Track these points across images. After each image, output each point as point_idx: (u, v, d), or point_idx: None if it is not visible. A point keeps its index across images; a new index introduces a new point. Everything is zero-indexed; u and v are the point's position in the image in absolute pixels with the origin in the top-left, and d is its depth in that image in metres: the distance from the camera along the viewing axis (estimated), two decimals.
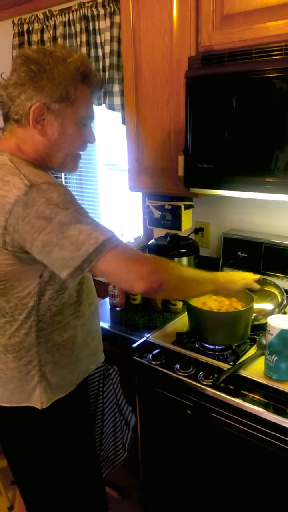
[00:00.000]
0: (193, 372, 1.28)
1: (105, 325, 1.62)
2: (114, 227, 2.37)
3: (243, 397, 1.16)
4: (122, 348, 1.49)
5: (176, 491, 1.46)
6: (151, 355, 1.37)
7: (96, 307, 1.24)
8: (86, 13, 1.85)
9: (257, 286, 1.34)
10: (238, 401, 1.16)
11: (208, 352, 1.34)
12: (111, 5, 1.76)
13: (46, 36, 2.08)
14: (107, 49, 1.80)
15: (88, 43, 1.88)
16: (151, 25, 1.49)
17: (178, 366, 1.31)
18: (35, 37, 2.11)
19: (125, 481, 1.75)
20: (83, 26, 1.86)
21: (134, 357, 1.40)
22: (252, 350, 1.33)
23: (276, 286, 1.53)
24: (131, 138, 1.68)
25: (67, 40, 1.98)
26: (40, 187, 0.92)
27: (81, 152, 1.13)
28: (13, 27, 2.18)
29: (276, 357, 1.16)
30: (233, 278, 1.29)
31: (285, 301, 1.47)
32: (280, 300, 1.49)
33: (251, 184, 1.30)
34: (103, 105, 1.88)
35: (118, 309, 1.75)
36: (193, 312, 1.36)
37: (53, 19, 2.01)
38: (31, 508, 1.26)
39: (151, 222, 1.90)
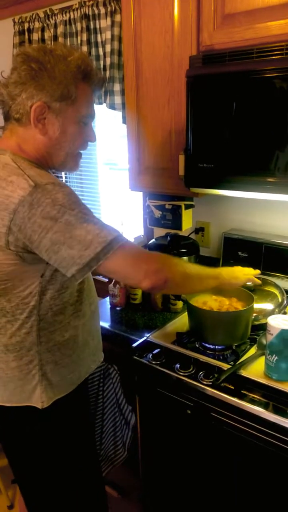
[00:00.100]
0: (193, 371, 1.28)
1: (105, 324, 1.62)
2: (115, 227, 2.36)
3: (243, 397, 1.16)
4: (122, 347, 1.49)
5: (176, 490, 1.46)
6: (151, 355, 1.37)
7: (96, 306, 1.24)
8: (87, 12, 1.85)
9: (258, 281, 1.36)
10: (238, 401, 1.16)
11: (208, 352, 1.34)
12: (112, 4, 1.75)
13: (46, 34, 2.08)
14: (108, 48, 1.79)
15: (88, 42, 1.88)
16: (152, 25, 1.49)
17: (178, 365, 1.31)
18: (35, 36, 2.10)
19: (125, 480, 1.75)
20: (84, 25, 1.86)
21: (134, 357, 1.40)
22: (252, 350, 1.33)
23: (276, 286, 1.53)
24: (131, 137, 1.68)
25: (68, 39, 1.98)
26: (45, 187, 0.92)
27: (82, 151, 1.13)
28: (14, 25, 2.18)
29: (276, 357, 1.16)
30: (235, 273, 1.31)
31: (285, 301, 1.47)
32: (280, 300, 1.49)
33: (252, 184, 1.30)
34: (104, 104, 1.87)
35: (118, 308, 1.75)
36: (193, 312, 1.36)
37: (53, 17, 2.00)
38: (31, 507, 1.26)
39: (151, 222, 1.90)
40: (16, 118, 1.01)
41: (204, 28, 1.36)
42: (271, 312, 1.43)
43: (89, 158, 2.31)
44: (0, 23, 2.34)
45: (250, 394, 1.17)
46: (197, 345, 1.38)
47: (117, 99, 1.83)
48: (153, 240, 1.87)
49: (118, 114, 1.88)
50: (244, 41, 1.28)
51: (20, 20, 2.15)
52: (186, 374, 1.28)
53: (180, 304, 1.67)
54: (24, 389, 1.10)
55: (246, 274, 1.34)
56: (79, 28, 1.90)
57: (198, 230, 1.92)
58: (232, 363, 1.28)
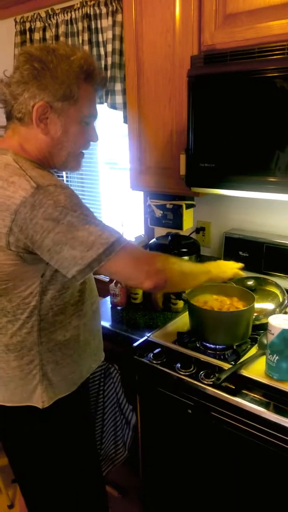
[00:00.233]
0: (194, 371, 1.28)
1: (106, 324, 1.62)
2: (115, 226, 2.36)
3: (244, 397, 1.16)
4: (123, 347, 1.49)
5: (176, 490, 1.46)
6: (152, 354, 1.37)
7: (98, 306, 1.24)
8: (88, 12, 1.85)
9: (242, 274, 1.41)
10: (239, 400, 1.16)
11: (209, 351, 1.34)
12: (113, 3, 1.75)
13: (48, 34, 2.08)
14: (109, 47, 1.79)
15: (90, 41, 1.88)
16: (154, 24, 1.49)
17: (179, 365, 1.31)
18: (37, 36, 2.11)
19: (125, 480, 1.75)
20: (85, 25, 1.86)
21: (135, 356, 1.40)
22: (253, 350, 1.33)
23: (277, 286, 1.53)
24: (133, 137, 1.68)
25: (69, 38, 1.98)
26: (47, 189, 0.92)
27: (84, 151, 1.13)
28: (15, 25, 2.18)
29: (277, 357, 1.16)
30: (222, 268, 1.37)
31: (286, 301, 1.47)
32: (281, 300, 1.49)
33: (253, 184, 1.30)
34: (105, 104, 1.87)
35: (119, 308, 1.75)
36: (194, 311, 1.36)
37: (55, 17, 2.00)
38: (31, 507, 1.26)
39: (152, 221, 1.90)
40: (18, 118, 1.01)
41: (205, 28, 1.36)
42: (272, 312, 1.44)
43: (90, 157, 2.31)
44: (2, 23, 2.35)
45: (251, 393, 1.17)
46: (198, 345, 1.38)
47: (118, 99, 1.83)
48: (154, 239, 1.87)
49: (118, 114, 1.88)
50: (246, 40, 1.28)
51: (21, 20, 2.15)
52: (187, 373, 1.28)
53: (181, 303, 1.67)
54: (24, 389, 1.10)
55: (231, 268, 1.39)
56: (80, 27, 1.90)
57: (199, 229, 1.92)
58: (233, 362, 1.28)
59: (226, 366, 1.26)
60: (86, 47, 1.88)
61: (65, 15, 1.95)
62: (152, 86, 1.56)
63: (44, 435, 1.14)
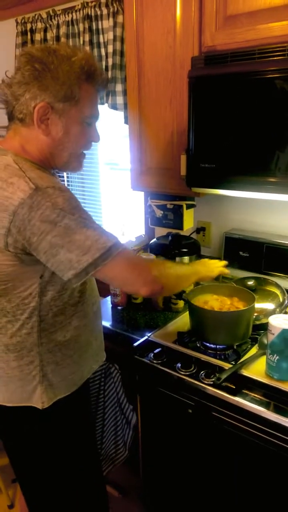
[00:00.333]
0: (194, 371, 1.28)
1: (107, 323, 1.62)
2: (116, 226, 2.37)
3: (244, 397, 1.17)
4: (124, 347, 1.50)
5: (176, 490, 1.47)
6: (152, 354, 1.38)
7: (99, 306, 1.24)
8: (89, 13, 1.85)
9: (227, 271, 1.43)
10: (239, 400, 1.16)
11: (209, 351, 1.34)
12: (114, 5, 1.76)
13: (49, 35, 2.08)
14: (110, 48, 1.80)
15: (91, 42, 1.89)
16: (155, 25, 1.49)
17: (180, 365, 1.31)
18: (38, 36, 2.11)
19: (126, 480, 1.75)
20: (86, 26, 1.87)
21: (136, 356, 1.40)
22: (254, 350, 1.33)
23: (278, 286, 1.54)
24: (133, 137, 1.68)
25: (70, 39, 1.98)
26: (45, 191, 0.92)
27: (85, 152, 1.13)
28: (16, 26, 2.18)
29: (277, 357, 1.16)
30: (208, 267, 1.39)
31: (286, 301, 1.48)
32: (281, 300, 1.49)
33: (253, 184, 1.31)
34: (106, 104, 1.88)
35: (119, 308, 1.75)
36: (194, 311, 1.36)
37: (56, 18, 2.01)
38: (32, 506, 1.26)
39: (153, 221, 1.91)
40: (19, 118, 1.01)
41: (206, 29, 1.36)
42: (272, 312, 1.44)
43: (90, 158, 2.32)
44: (3, 24, 2.35)
45: (251, 393, 1.18)
46: (198, 345, 1.38)
47: (119, 99, 1.84)
48: (155, 239, 1.88)
49: (119, 114, 1.89)
50: (246, 42, 1.28)
51: (22, 21, 2.16)
52: (187, 373, 1.28)
53: (181, 303, 1.68)
54: (24, 389, 1.10)
55: (217, 266, 1.41)
56: (81, 28, 1.90)
57: (199, 229, 1.92)
58: (233, 362, 1.28)
59: (226, 366, 1.26)
60: (87, 48, 1.88)
61: (66, 16, 1.96)
62: (153, 87, 1.57)
63: (44, 435, 1.14)
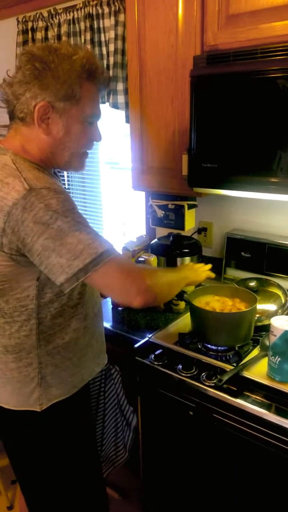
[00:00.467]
0: (195, 373, 1.27)
1: (107, 325, 1.61)
2: (117, 226, 2.36)
3: (246, 399, 1.16)
4: (124, 348, 1.49)
5: (176, 492, 1.46)
6: (153, 356, 1.37)
7: (100, 308, 1.23)
8: (90, 12, 1.84)
9: (212, 275, 1.42)
10: (240, 402, 1.15)
11: (210, 353, 1.34)
12: (116, 3, 1.75)
13: (50, 34, 2.07)
14: (112, 47, 1.79)
15: (92, 41, 1.88)
16: (156, 24, 1.49)
17: (181, 366, 1.30)
18: (39, 35, 2.10)
19: (126, 482, 1.75)
20: (88, 24, 1.86)
21: (136, 357, 1.39)
22: (255, 351, 1.32)
23: (280, 287, 1.53)
24: (135, 136, 1.68)
25: (72, 38, 1.98)
26: (39, 191, 0.91)
27: (88, 151, 1.12)
28: (18, 24, 2.17)
29: (279, 359, 1.15)
30: (196, 271, 1.37)
31: None
32: (283, 301, 1.48)
33: (255, 184, 1.30)
34: (107, 103, 1.87)
35: (120, 308, 1.74)
36: (195, 312, 1.36)
37: (57, 17, 2.00)
38: (32, 507, 1.25)
39: (154, 222, 1.90)
40: (20, 118, 1.01)
41: (208, 28, 1.35)
42: (274, 313, 1.43)
43: (91, 157, 2.29)
44: (4, 22, 2.34)
45: (252, 395, 1.17)
46: (199, 346, 1.37)
47: (120, 98, 1.83)
48: (156, 240, 1.87)
49: (120, 113, 1.88)
50: (248, 41, 1.28)
51: (24, 19, 2.15)
52: (188, 375, 1.27)
53: (182, 304, 1.67)
54: (22, 392, 1.09)
55: (204, 270, 1.39)
56: (82, 27, 1.90)
57: (201, 230, 1.91)
58: (234, 364, 1.27)
59: (228, 367, 1.25)
60: (88, 47, 1.87)
61: (68, 14, 1.95)
62: (154, 86, 1.56)
63: (44, 437, 1.13)
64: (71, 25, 1.96)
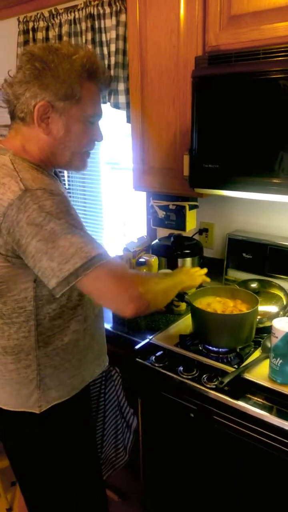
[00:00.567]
0: (196, 374, 1.27)
1: (108, 326, 1.60)
2: (117, 227, 2.36)
3: (247, 401, 1.15)
4: (125, 349, 1.48)
5: (177, 494, 1.45)
6: (154, 357, 1.36)
7: (101, 309, 1.22)
8: (92, 12, 1.84)
9: (208, 279, 1.42)
10: (241, 404, 1.15)
11: (211, 354, 1.33)
12: (117, 3, 1.75)
13: (51, 34, 2.07)
14: (113, 47, 1.79)
15: (93, 41, 1.88)
16: (158, 24, 1.48)
17: (181, 368, 1.29)
18: (40, 35, 2.10)
19: (126, 484, 1.74)
20: (89, 25, 1.86)
21: (137, 359, 1.38)
22: (257, 353, 1.32)
23: (281, 288, 1.52)
24: (136, 137, 1.67)
25: (73, 38, 1.97)
26: (34, 192, 0.91)
27: (89, 151, 1.12)
28: (18, 24, 2.17)
29: (280, 360, 1.14)
30: (191, 276, 1.36)
31: None
32: (285, 302, 1.48)
33: (257, 185, 1.29)
34: (108, 103, 1.87)
35: None
36: (197, 314, 1.35)
37: (58, 17, 2.00)
38: (31, 508, 1.25)
39: (155, 222, 1.89)
40: (20, 118, 1.01)
41: (210, 29, 1.35)
42: (276, 315, 1.42)
43: (91, 157, 2.29)
44: (5, 22, 2.34)
45: (254, 397, 1.16)
46: (200, 348, 1.37)
47: (121, 98, 1.83)
48: (156, 240, 1.86)
49: (121, 113, 1.88)
50: (251, 42, 1.27)
51: (24, 19, 2.15)
52: (189, 377, 1.26)
53: (183, 306, 1.66)
54: (20, 393, 1.08)
55: (199, 274, 1.39)
56: (83, 27, 1.89)
57: (202, 231, 1.91)
58: (236, 366, 1.27)
59: (229, 369, 1.25)
60: (90, 47, 1.87)
61: (69, 15, 1.95)
62: (156, 86, 1.56)
63: (44, 439, 1.13)
64: (72, 25, 1.95)
